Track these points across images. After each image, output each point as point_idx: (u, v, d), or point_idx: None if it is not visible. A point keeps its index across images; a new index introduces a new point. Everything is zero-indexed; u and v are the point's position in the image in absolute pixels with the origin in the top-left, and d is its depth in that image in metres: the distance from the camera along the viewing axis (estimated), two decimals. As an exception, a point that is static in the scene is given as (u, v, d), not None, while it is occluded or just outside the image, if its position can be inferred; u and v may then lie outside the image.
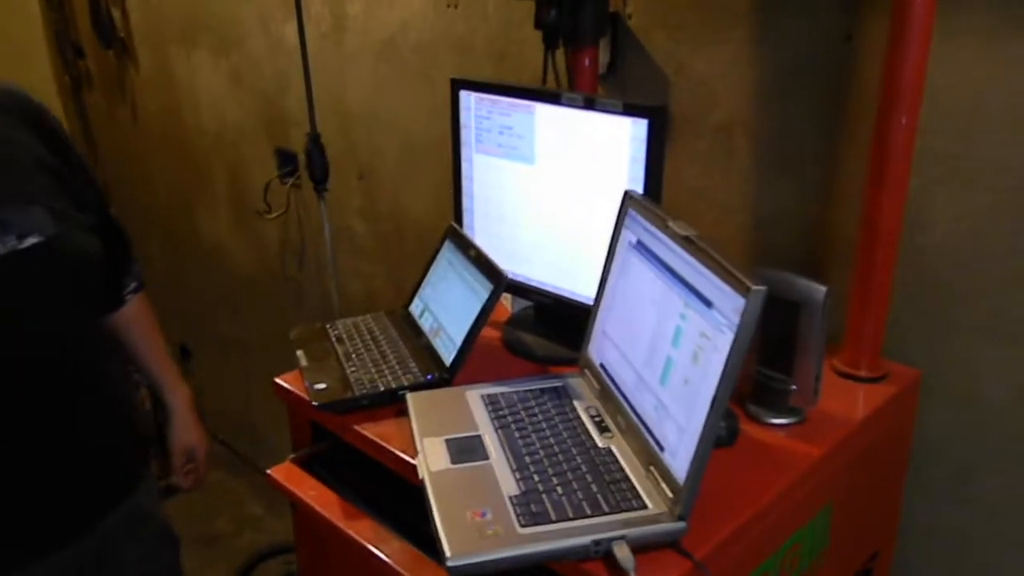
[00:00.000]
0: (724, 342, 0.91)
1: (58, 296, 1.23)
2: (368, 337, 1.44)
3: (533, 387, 1.24)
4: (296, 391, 1.34)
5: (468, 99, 1.42)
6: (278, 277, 2.77)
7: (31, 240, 1.16)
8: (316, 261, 2.55)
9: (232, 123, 2.70)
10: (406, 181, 2.17)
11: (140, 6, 2.92)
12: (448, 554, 0.92)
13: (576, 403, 1.20)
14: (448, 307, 1.37)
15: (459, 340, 1.29)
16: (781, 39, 1.39)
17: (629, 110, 1.21)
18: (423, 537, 1.07)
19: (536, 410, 1.19)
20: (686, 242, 1.01)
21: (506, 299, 1.56)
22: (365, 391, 1.27)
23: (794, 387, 1.17)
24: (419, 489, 1.06)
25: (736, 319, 0.89)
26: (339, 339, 1.45)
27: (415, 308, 1.47)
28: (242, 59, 2.54)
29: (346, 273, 2.44)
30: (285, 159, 2.51)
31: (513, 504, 0.99)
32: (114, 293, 1.47)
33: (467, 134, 1.45)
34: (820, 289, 1.12)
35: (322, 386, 1.29)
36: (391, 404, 1.26)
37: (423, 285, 1.47)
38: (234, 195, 2.84)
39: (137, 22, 2.95)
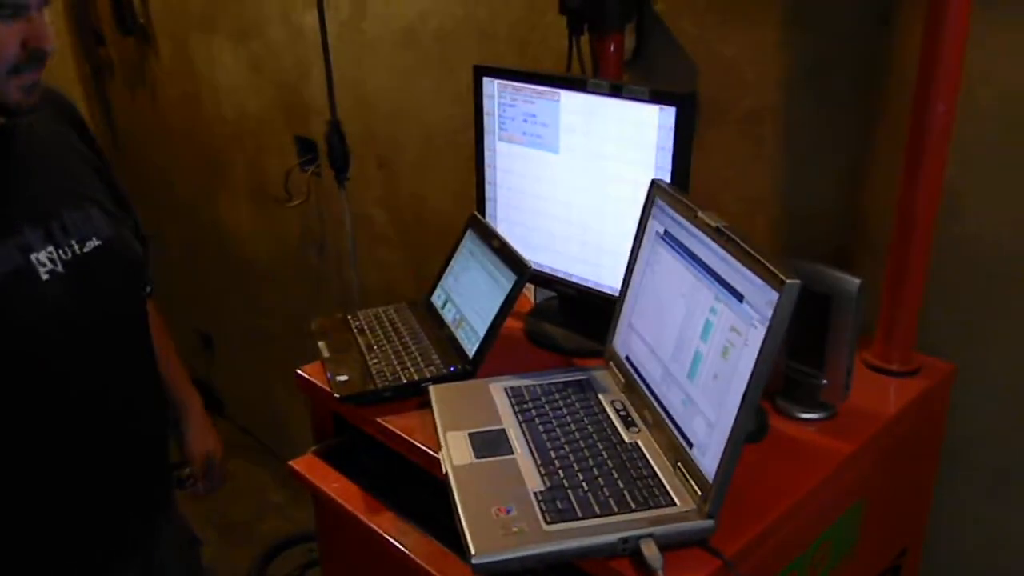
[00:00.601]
0: (756, 337, 0.88)
1: (116, 300, 1.20)
2: (390, 328, 1.43)
3: (557, 380, 1.22)
4: (318, 383, 1.32)
5: (491, 86, 1.40)
6: (298, 266, 2.76)
7: (91, 244, 1.14)
8: (336, 250, 2.53)
9: (252, 111, 2.69)
10: (427, 170, 2.15)
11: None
12: (473, 551, 0.91)
13: (601, 396, 1.18)
14: (471, 298, 1.35)
15: (482, 331, 1.28)
16: (814, 22, 1.35)
17: (656, 97, 1.19)
18: (445, 531, 1.06)
19: (561, 403, 1.17)
20: (717, 233, 0.99)
21: (529, 290, 1.54)
22: (387, 383, 1.26)
23: (825, 382, 1.14)
24: (442, 483, 1.05)
25: (769, 313, 0.87)
26: (360, 330, 1.43)
27: (437, 299, 1.45)
28: (262, 46, 2.52)
29: (366, 262, 2.43)
30: (305, 147, 2.49)
31: (538, 500, 0.97)
32: None
33: (490, 122, 1.42)
34: (853, 281, 1.09)
35: (344, 378, 1.28)
36: (413, 396, 1.25)
37: (445, 275, 1.45)
38: (254, 183, 2.83)
39: (157, 8, 2.94)
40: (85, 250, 1.13)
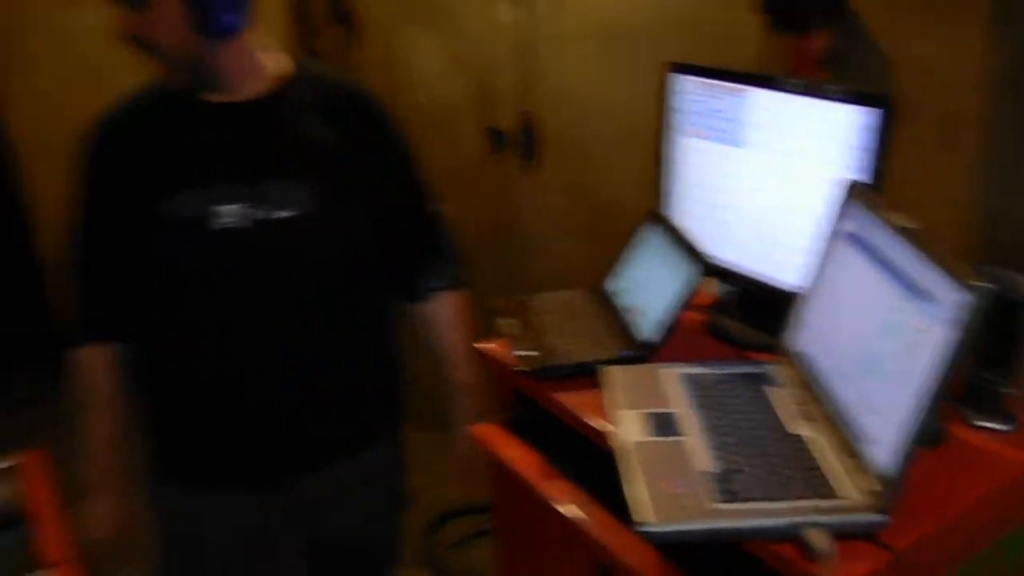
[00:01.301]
0: (941, 339, 0.89)
1: (296, 267, 1.35)
2: (568, 311, 1.50)
3: (732, 371, 1.25)
4: (499, 357, 1.41)
5: (681, 82, 1.44)
6: (481, 250, 2.88)
7: (283, 213, 1.30)
8: (520, 236, 2.63)
9: (446, 100, 2.82)
10: (612, 162, 2.20)
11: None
12: (642, 520, 0.96)
13: (775, 390, 1.20)
14: (648, 287, 1.40)
15: (658, 319, 1.32)
16: (1019, 25, 1.31)
17: (853, 98, 1.19)
18: (618, 505, 1.12)
19: (734, 393, 1.20)
20: (907, 235, 0.99)
21: (708, 282, 1.57)
22: (566, 361, 1.33)
23: (1011, 391, 1.12)
24: (613, 457, 1.10)
25: (956, 316, 0.87)
26: (540, 311, 1.51)
27: (614, 286, 1.50)
28: (460, 38, 2.65)
29: (547, 249, 2.51)
30: (495, 137, 2.59)
31: (708, 480, 1.01)
32: (410, 285, 1.55)
33: (678, 117, 1.46)
34: (1049, 291, 1.06)
35: (525, 353, 1.36)
36: (589, 376, 1.31)
37: (623, 265, 1.51)
38: (446, 171, 2.97)
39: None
40: (274, 216, 1.29)
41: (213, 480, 1.42)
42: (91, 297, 1.39)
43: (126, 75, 1.40)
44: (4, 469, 1.50)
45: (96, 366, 1.40)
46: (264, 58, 1.34)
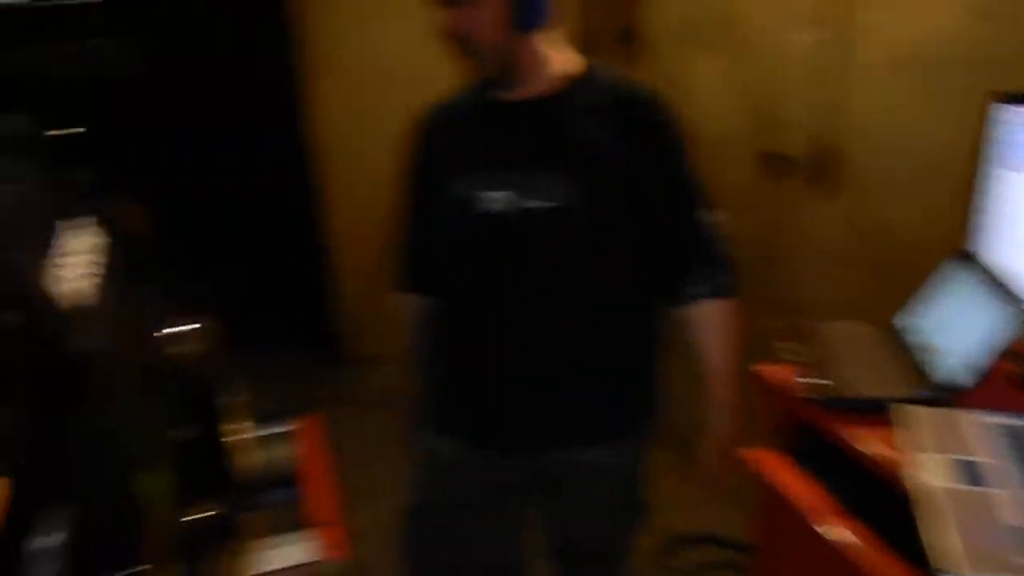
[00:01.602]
0: None
1: (546, 254, 1.39)
2: (854, 343, 1.45)
3: (1052, 425, 1.16)
4: (781, 382, 1.38)
5: (1008, 113, 1.35)
6: (748, 273, 2.82)
7: (540, 203, 1.35)
8: (790, 262, 2.56)
9: (721, 123, 2.80)
10: (906, 194, 2.10)
11: (660, 4, 3.12)
12: (949, 568, 0.91)
13: (1104, 451, 1.09)
14: (952, 328, 1.32)
15: (966, 363, 1.24)
16: None
17: None
18: (900, 544, 1.06)
19: (1053, 449, 1.10)
20: None
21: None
22: (857, 394, 1.28)
23: None
24: (898, 495, 1.06)
25: None
26: (824, 340, 1.46)
27: (908, 324, 1.43)
28: (747, 62, 2.62)
29: (821, 278, 2.42)
30: (771, 161, 2.55)
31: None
32: (676, 289, 1.51)
33: (1000, 150, 1.37)
34: None
35: (814, 382, 1.32)
36: (879, 411, 1.25)
37: (921, 303, 1.43)
38: (715, 191, 2.95)
39: (653, 19, 3.15)
40: (534, 206, 1.35)
41: (464, 432, 1.54)
42: (408, 256, 1.59)
43: (422, 83, 1.54)
44: (283, 432, 1.64)
45: (407, 311, 1.61)
46: (555, 57, 1.40)
